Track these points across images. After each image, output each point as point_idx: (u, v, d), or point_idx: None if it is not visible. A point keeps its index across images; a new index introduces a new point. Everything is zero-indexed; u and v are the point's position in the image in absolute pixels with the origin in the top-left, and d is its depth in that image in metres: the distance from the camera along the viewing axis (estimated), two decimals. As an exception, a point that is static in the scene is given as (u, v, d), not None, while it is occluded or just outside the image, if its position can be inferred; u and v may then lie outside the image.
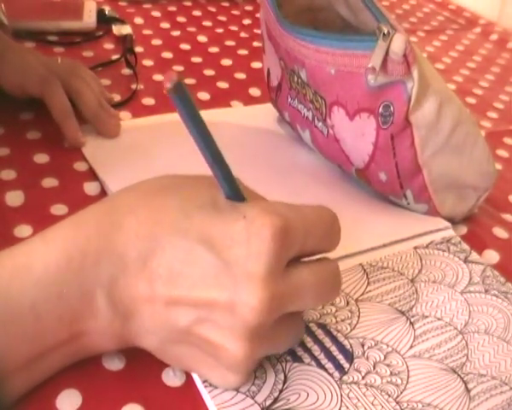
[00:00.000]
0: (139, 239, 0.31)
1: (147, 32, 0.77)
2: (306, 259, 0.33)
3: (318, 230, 0.32)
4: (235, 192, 0.32)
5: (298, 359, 0.36)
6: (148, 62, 0.69)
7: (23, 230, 0.43)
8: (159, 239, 0.31)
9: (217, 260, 0.30)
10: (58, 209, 0.45)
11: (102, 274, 0.31)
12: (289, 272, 0.31)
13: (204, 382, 0.33)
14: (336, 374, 0.35)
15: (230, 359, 0.31)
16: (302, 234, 0.31)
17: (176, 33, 0.78)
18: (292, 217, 0.31)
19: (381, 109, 0.44)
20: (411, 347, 0.38)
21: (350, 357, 0.36)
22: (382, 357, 0.37)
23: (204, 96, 0.64)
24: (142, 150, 0.53)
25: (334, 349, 0.37)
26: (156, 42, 0.75)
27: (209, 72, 0.70)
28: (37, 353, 0.31)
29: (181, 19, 0.83)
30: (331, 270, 0.33)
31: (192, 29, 0.80)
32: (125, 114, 0.59)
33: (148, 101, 0.62)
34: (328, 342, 0.37)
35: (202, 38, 0.78)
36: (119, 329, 0.32)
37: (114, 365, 0.34)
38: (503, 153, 0.63)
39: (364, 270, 0.43)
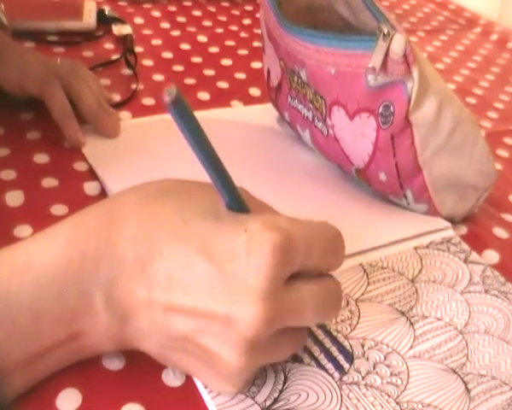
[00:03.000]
0: (138, 242, 0.31)
1: (147, 32, 0.77)
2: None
3: (321, 246, 0.32)
4: (238, 204, 0.31)
5: (298, 359, 0.36)
6: (148, 62, 0.69)
7: (23, 230, 0.43)
8: (158, 244, 0.31)
9: (215, 271, 0.30)
10: (58, 209, 0.45)
11: (101, 275, 0.31)
12: (289, 288, 0.30)
13: (204, 382, 0.33)
14: (336, 374, 0.35)
15: (226, 369, 0.31)
16: (304, 250, 0.31)
17: (176, 33, 0.78)
18: (294, 233, 0.30)
19: (381, 109, 0.44)
20: (411, 347, 0.38)
21: (350, 358, 0.36)
22: (382, 357, 0.37)
23: (204, 96, 0.64)
24: (142, 150, 0.53)
25: (334, 350, 0.37)
26: (156, 42, 0.75)
27: (209, 72, 0.70)
28: (36, 352, 0.31)
29: (181, 19, 0.83)
30: (332, 288, 0.33)
31: (192, 29, 0.80)
32: (125, 114, 0.59)
33: (148, 101, 0.62)
34: (328, 343, 0.37)
35: (202, 38, 0.78)
36: (117, 331, 0.32)
37: (114, 364, 0.34)
38: (503, 153, 0.63)
39: (364, 270, 0.43)
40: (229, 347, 0.30)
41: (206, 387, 0.33)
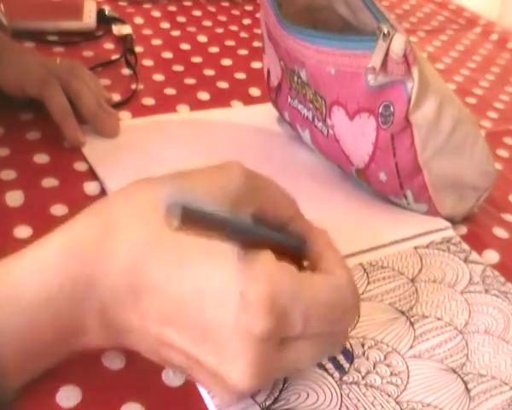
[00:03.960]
0: (131, 274, 0.30)
1: (147, 32, 0.77)
2: None
3: (325, 314, 0.30)
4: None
5: (298, 359, 0.36)
6: (148, 62, 0.69)
7: (23, 230, 0.43)
8: (151, 279, 0.29)
9: (207, 324, 0.29)
10: (58, 209, 0.45)
11: (93, 301, 0.30)
12: (284, 350, 0.30)
13: (204, 382, 0.33)
14: (336, 374, 0.35)
15: (232, 387, 0.30)
16: (300, 326, 0.29)
17: (176, 33, 0.78)
18: (291, 309, 0.29)
19: (381, 109, 0.44)
20: (411, 347, 0.38)
21: (350, 357, 0.36)
22: (382, 357, 0.37)
23: (204, 96, 0.64)
24: (142, 150, 0.53)
25: (334, 349, 0.37)
26: (156, 42, 0.75)
27: (209, 72, 0.70)
28: (37, 348, 0.31)
29: (181, 19, 0.83)
30: (334, 341, 0.32)
31: (192, 29, 0.80)
32: (124, 114, 0.59)
33: (148, 101, 0.62)
34: (328, 342, 0.37)
35: (202, 38, 0.78)
36: (114, 341, 0.32)
37: (114, 363, 0.34)
38: (503, 153, 0.63)
39: (364, 269, 0.43)
40: (223, 386, 0.29)
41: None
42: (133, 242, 0.30)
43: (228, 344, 0.28)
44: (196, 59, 0.72)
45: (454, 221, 0.49)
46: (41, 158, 0.51)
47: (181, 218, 0.24)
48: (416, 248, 0.46)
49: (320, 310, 0.30)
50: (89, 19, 0.75)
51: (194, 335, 0.29)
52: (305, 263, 0.34)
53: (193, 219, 0.25)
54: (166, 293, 0.29)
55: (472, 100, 0.73)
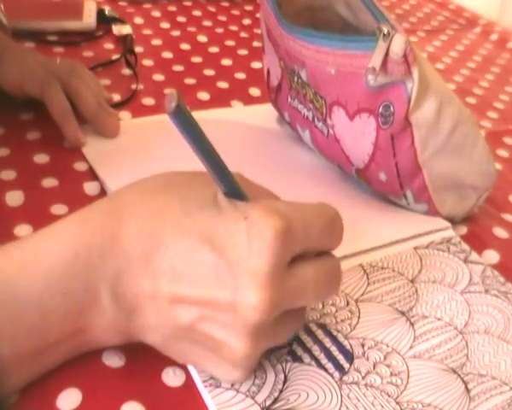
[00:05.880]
0: (143, 236, 0.31)
1: (147, 32, 0.77)
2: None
3: (319, 228, 0.32)
4: (235, 192, 0.32)
5: (298, 359, 0.36)
6: (148, 62, 0.69)
7: (23, 230, 0.43)
8: (162, 237, 0.31)
9: (218, 259, 0.30)
10: (58, 209, 0.45)
11: (107, 270, 0.31)
12: (291, 271, 0.31)
13: (204, 382, 0.33)
14: (336, 374, 0.35)
15: (233, 356, 0.31)
16: (303, 233, 0.31)
17: (176, 33, 0.78)
18: (293, 216, 0.31)
19: (381, 109, 0.44)
20: (411, 347, 0.38)
21: (350, 357, 0.36)
22: (382, 357, 0.37)
23: (204, 96, 0.64)
24: (142, 150, 0.53)
25: (334, 349, 0.37)
26: (156, 42, 0.75)
27: (209, 72, 0.70)
28: (42, 346, 0.31)
29: (181, 19, 0.83)
30: (332, 266, 0.34)
31: (192, 29, 0.80)
32: (125, 114, 0.59)
33: (148, 101, 0.62)
34: (328, 343, 0.37)
35: (202, 38, 0.78)
36: (123, 324, 0.32)
37: (114, 363, 0.34)
38: (503, 153, 0.63)
39: (364, 270, 0.43)
40: (234, 333, 0.30)
41: (206, 386, 0.33)
42: (142, 211, 0.32)
43: (243, 266, 0.30)
44: (196, 59, 0.72)
45: (454, 221, 0.49)
46: (41, 158, 0.51)
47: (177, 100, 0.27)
48: (415, 248, 0.46)
49: (315, 220, 0.32)
50: (89, 19, 0.75)
51: (207, 277, 0.30)
52: None
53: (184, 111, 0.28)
54: (177, 246, 0.31)
55: (472, 100, 0.73)
